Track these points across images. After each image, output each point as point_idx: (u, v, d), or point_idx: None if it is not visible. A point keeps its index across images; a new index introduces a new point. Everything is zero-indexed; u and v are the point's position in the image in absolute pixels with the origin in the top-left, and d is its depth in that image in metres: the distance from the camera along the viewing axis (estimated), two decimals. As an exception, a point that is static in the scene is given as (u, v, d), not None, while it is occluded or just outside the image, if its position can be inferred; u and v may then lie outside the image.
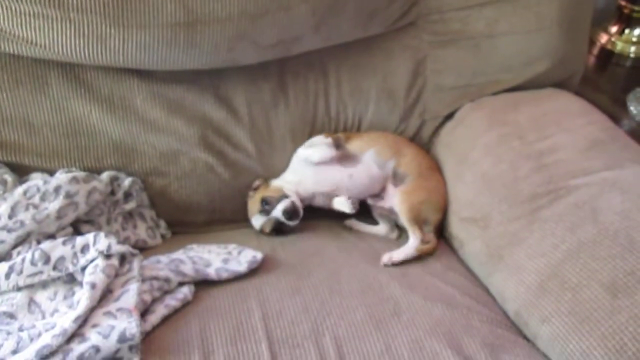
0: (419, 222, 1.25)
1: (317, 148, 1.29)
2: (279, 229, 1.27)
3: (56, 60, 1.18)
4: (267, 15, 1.16)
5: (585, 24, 1.41)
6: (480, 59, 1.35)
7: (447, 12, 1.34)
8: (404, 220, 1.26)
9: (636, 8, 1.75)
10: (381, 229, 1.33)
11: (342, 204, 1.26)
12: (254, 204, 1.29)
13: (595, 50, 1.85)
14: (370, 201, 1.33)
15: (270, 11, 1.16)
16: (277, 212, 1.24)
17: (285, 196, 1.26)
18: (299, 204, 1.25)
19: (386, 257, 1.18)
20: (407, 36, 1.36)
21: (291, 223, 1.25)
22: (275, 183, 1.30)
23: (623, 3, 1.78)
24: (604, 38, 1.85)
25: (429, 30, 1.36)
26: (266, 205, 1.26)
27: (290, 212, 1.24)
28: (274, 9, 1.16)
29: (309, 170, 1.29)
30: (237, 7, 1.14)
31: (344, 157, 1.30)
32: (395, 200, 1.28)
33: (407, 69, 1.37)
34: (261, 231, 1.28)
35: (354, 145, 1.32)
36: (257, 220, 1.27)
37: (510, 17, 1.32)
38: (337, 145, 1.30)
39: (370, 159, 1.30)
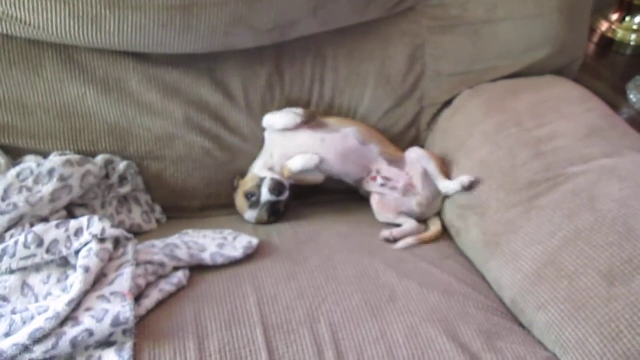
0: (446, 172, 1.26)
1: (283, 114, 1.28)
2: (276, 211, 1.25)
3: (50, 41, 1.17)
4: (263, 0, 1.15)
5: (586, 11, 1.40)
6: (479, 45, 1.34)
7: (447, -4, 1.32)
8: (433, 167, 1.25)
9: (637, -5, 1.74)
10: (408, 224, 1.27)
11: (295, 161, 1.23)
12: (241, 202, 1.27)
13: (596, 38, 1.83)
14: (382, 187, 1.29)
15: (267, -5, 1.15)
16: (265, 195, 1.23)
17: (262, 179, 1.24)
18: (279, 177, 1.24)
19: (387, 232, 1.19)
20: (406, 21, 1.35)
21: (282, 197, 1.23)
22: (249, 175, 1.29)
23: (624, -10, 1.76)
24: (604, 26, 1.83)
25: (429, 16, 1.35)
26: (252, 198, 1.24)
27: (276, 187, 1.22)
28: (271, -7, 1.15)
29: (276, 139, 1.28)
30: (233, -9, 1.12)
31: (317, 125, 1.28)
32: (420, 153, 1.29)
33: (405, 55, 1.35)
34: (260, 222, 1.26)
35: (333, 121, 1.31)
36: (251, 215, 1.26)
37: (509, 3, 1.31)
38: (310, 116, 1.27)
39: (351, 133, 1.29)
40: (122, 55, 1.22)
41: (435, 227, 1.26)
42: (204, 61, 1.26)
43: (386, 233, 1.19)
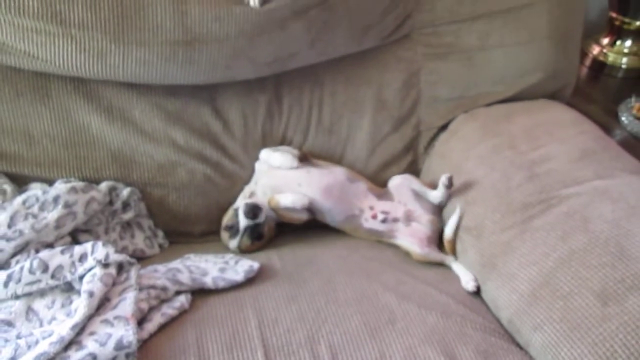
0: None
1: (282, 153, 1.30)
2: (258, 235, 1.25)
3: (57, 73, 1.20)
4: (263, 34, 1.19)
5: (576, 36, 1.43)
6: (473, 71, 1.37)
7: (440, 25, 1.36)
8: (418, 183, 1.29)
9: (627, 20, 1.77)
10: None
11: (285, 197, 1.23)
12: (224, 236, 1.28)
13: (588, 62, 1.87)
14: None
15: (267, 30, 1.19)
16: (242, 221, 1.23)
17: (237, 209, 1.25)
18: (252, 201, 1.25)
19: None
20: (401, 48, 1.39)
21: (259, 220, 1.23)
22: (228, 212, 1.29)
23: (614, 15, 1.80)
24: (596, 49, 1.87)
25: (423, 43, 1.39)
26: (231, 229, 1.25)
27: (250, 210, 1.22)
28: (270, 28, 1.19)
29: (264, 168, 1.31)
30: (234, 27, 1.16)
31: (306, 163, 1.30)
32: (400, 177, 1.32)
33: (401, 81, 1.39)
34: (246, 250, 1.26)
35: (322, 162, 1.34)
36: (234, 244, 1.25)
37: (501, 30, 1.35)
38: (303, 158, 1.30)
39: (338, 170, 1.31)
40: (126, 86, 1.26)
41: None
42: (205, 90, 1.30)
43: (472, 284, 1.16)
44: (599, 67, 1.85)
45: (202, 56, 1.18)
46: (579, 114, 1.38)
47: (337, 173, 1.30)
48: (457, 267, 1.20)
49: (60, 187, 1.18)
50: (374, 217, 1.28)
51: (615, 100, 1.67)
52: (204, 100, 1.31)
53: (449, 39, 1.36)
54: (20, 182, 1.22)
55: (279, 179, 1.28)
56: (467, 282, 1.16)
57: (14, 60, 1.17)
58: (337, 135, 1.40)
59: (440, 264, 1.23)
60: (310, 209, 1.27)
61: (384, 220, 1.27)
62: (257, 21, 1.18)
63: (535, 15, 1.33)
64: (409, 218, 1.28)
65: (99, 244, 1.08)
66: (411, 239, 1.25)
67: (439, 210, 1.30)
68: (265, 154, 1.32)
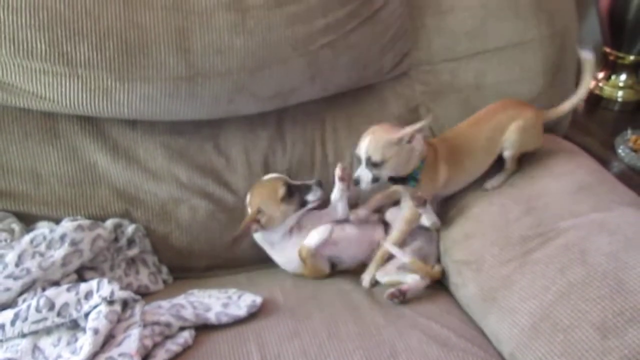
0: None
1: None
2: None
3: (64, 113, 1.24)
4: (265, 69, 1.23)
5: (570, 72, 1.46)
6: (469, 107, 1.38)
7: (437, 63, 1.40)
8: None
9: (621, 55, 1.81)
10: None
11: (311, 237, 1.24)
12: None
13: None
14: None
15: (268, 65, 1.23)
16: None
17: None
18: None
19: None
20: (400, 85, 1.42)
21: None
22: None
23: (608, 50, 1.84)
24: (592, 83, 1.90)
25: (421, 81, 1.42)
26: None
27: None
28: (272, 63, 1.23)
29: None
30: (236, 61, 1.20)
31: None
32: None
33: (401, 117, 1.41)
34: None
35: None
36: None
37: (497, 68, 1.38)
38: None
39: (377, 229, 1.34)
40: (131, 125, 1.29)
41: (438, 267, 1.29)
42: (208, 127, 1.33)
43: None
44: (596, 100, 1.88)
45: (205, 91, 1.22)
46: (576, 147, 1.40)
47: (373, 232, 1.33)
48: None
49: (67, 225, 1.20)
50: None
51: (612, 133, 1.69)
52: (206, 137, 1.34)
53: (446, 77, 1.40)
54: (28, 221, 1.25)
55: (307, 231, 1.27)
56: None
57: (22, 102, 1.20)
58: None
59: (443, 296, 1.25)
60: (333, 255, 1.29)
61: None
62: (258, 55, 1.22)
63: (529, 53, 1.37)
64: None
65: (105, 281, 1.09)
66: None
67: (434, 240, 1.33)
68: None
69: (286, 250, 1.29)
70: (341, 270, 1.32)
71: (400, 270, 1.26)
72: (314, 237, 1.24)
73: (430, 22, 1.38)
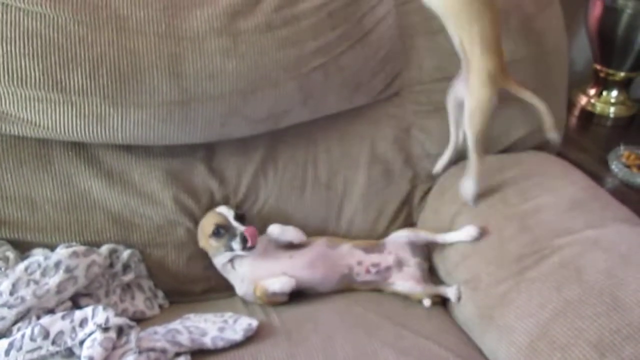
0: None
1: (295, 228, 1.30)
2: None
3: (59, 139, 1.24)
4: (257, 92, 1.24)
5: (561, 90, 1.48)
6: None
7: (429, 83, 1.41)
8: (424, 232, 1.34)
9: (611, 72, 1.83)
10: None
11: (272, 283, 1.23)
12: (213, 246, 1.27)
13: (576, 112, 1.93)
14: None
15: (260, 88, 1.24)
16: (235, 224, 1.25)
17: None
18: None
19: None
20: (392, 105, 1.43)
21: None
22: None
23: (599, 67, 1.86)
24: (583, 100, 1.92)
25: (412, 101, 1.43)
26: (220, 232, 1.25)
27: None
28: (264, 86, 1.24)
29: (246, 260, 1.28)
30: (229, 85, 1.21)
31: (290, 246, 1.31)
32: (404, 231, 1.36)
33: (393, 137, 1.43)
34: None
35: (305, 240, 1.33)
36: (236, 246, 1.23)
37: (487, 86, 1.39)
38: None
39: (317, 243, 1.31)
40: (126, 149, 1.29)
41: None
42: (202, 149, 1.34)
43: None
44: (588, 116, 1.90)
45: (198, 115, 1.23)
46: (568, 164, 1.41)
47: (316, 246, 1.31)
48: (444, 289, 1.26)
49: (61, 252, 1.19)
50: (367, 271, 1.29)
51: (605, 149, 1.71)
52: (200, 159, 1.34)
53: (437, 96, 1.40)
54: (23, 248, 1.24)
55: (263, 270, 1.26)
56: (452, 294, 1.24)
57: (16, 129, 1.20)
58: (334, 191, 1.42)
59: (441, 315, 1.25)
60: (298, 289, 1.26)
61: (377, 272, 1.29)
62: (250, 79, 1.23)
63: (520, 72, 1.36)
64: (399, 264, 1.30)
65: (100, 307, 1.09)
66: (407, 282, 1.28)
67: (423, 252, 1.33)
68: (279, 229, 1.29)
69: (230, 277, 1.29)
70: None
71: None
72: (274, 283, 1.23)
73: (420, 43, 1.40)
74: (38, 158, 1.26)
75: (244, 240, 1.22)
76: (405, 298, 1.28)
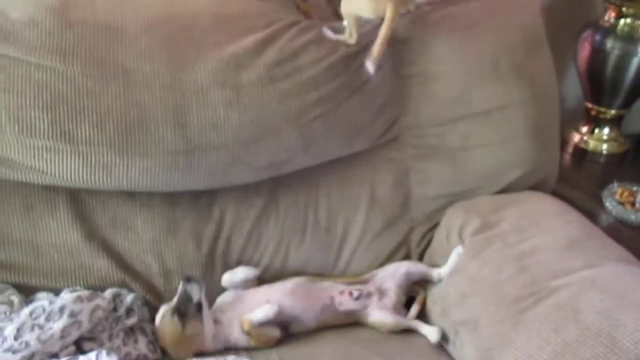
0: None
1: (243, 267, 1.34)
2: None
3: (64, 186, 1.26)
4: (259, 142, 1.27)
5: (553, 130, 1.51)
6: (457, 170, 1.44)
7: (425, 128, 1.45)
8: (418, 265, 1.40)
9: (602, 109, 1.87)
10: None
11: (255, 313, 1.24)
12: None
13: (570, 149, 1.96)
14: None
15: (262, 138, 1.27)
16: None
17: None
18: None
19: None
20: (390, 149, 1.47)
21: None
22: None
23: (590, 105, 1.90)
24: (576, 137, 1.96)
25: (410, 145, 1.47)
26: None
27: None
28: (266, 136, 1.27)
29: (228, 303, 1.31)
30: (232, 135, 1.24)
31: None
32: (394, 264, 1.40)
33: (392, 180, 1.46)
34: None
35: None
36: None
37: (481, 131, 1.43)
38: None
39: (296, 277, 1.35)
40: (129, 195, 1.32)
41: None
42: (204, 196, 1.36)
43: None
44: (581, 153, 1.94)
45: (202, 164, 1.25)
46: (564, 204, 1.44)
47: (296, 279, 1.34)
48: (422, 326, 1.29)
49: (66, 297, 1.21)
50: (350, 293, 1.31)
51: (599, 185, 1.74)
52: (202, 207, 1.36)
53: (434, 140, 1.44)
54: (27, 292, 1.26)
55: (246, 305, 1.28)
56: (432, 333, 1.26)
57: (24, 176, 1.23)
58: (334, 233, 1.44)
59: (443, 357, 1.26)
60: (283, 320, 1.27)
61: (357, 297, 1.31)
62: (253, 129, 1.26)
63: (512, 115, 1.42)
64: (380, 291, 1.33)
65: (103, 352, 1.10)
66: (381, 311, 1.30)
67: (408, 287, 1.36)
68: (228, 274, 1.32)
69: (226, 333, 1.27)
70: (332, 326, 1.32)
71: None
72: (257, 313, 1.25)
73: (417, 90, 1.44)
74: (44, 203, 1.29)
75: (188, 280, 1.22)
76: (404, 338, 1.29)
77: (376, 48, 1.25)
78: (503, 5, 1.45)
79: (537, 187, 1.50)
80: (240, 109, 1.24)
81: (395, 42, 1.40)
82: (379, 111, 1.41)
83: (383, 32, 1.23)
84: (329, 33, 1.37)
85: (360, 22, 1.33)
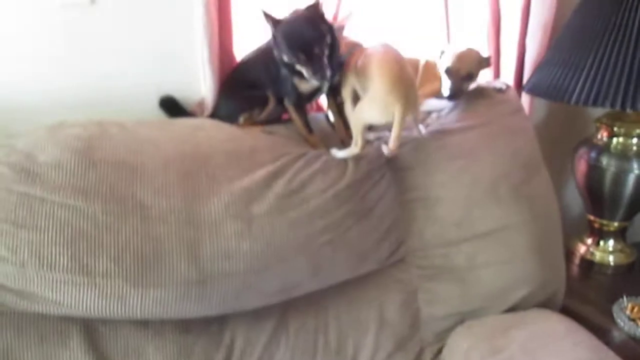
0: None
1: None
2: None
3: (79, 316, 1.29)
4: (269, 269, 1.31)
5: (557, 248, 1.54)
6: (464, 290, 1.46)
7: (430, 249, 1.49)
8: None
9: (605, 222, 1.90)
10: None
11: None
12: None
13: (577, 260, 1.96)
14: None
15: (272, 265, 1.31)
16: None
17: None
18: None
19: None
20: (397, 271, 1.50)
21: None
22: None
23: (592, 218, 1.93)
24: (582, 249, 1.96)
25: (417, 265, 1.50)
26: None
27: None
28: (276, 263, 1.31)
29: None
30: (243, 265, 1.28)
31: None
32: None
33: (400, 301, 1.48)
34: None
35: None
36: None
37: (485, 251, 1.46)
38: None
39: None
40: (142, 324, 1.34)
41: None
42: (215, 323, 1.39)
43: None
44: (588, 265, 1.93)
45: (214, 291, 1.29)
46: (572, 322, 1.43)
47: None
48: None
49: None
50: None
51: (609, 299, 1.71)
52: (214, 330, 1.38)
53: (439, 261, 1.48)
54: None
55: None
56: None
57: (40, 308, 1.26)
58: (344, 356, 1.45)
59: None
60: None
61: None
62: (263, 258, 1.30)
63: (514, 235, 1.46)
64: None
65: None
66: None
67: None
68: None
69: None
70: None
71: None
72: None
73: (420, 214, 1.50)
74: (58, 334, 1.31)
75: None
76: None
77: (392, 144, 1.34)
78: (498, 132, 1.54)
79: (545, 303, 1.51)
80: (252, 239, 1.29)
81: (398, 170, 1.49)
82: (385, 235, 1.46)
83: (396, 130, 1.33)
84: (336, 153, 1.46)
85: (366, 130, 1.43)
